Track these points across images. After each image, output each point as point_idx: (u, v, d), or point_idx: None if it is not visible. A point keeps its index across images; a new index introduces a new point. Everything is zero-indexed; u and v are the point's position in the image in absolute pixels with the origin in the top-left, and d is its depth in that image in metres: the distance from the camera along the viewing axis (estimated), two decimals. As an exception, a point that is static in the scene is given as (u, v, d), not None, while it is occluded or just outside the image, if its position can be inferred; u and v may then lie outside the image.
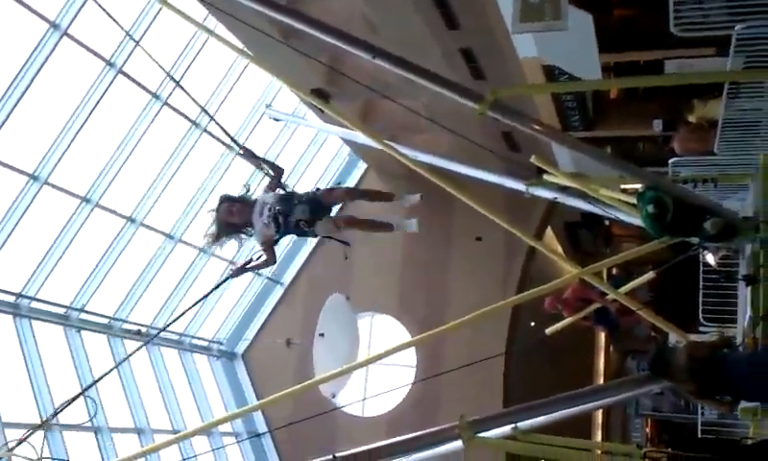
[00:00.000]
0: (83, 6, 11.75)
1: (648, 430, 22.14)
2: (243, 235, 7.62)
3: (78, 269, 14.97)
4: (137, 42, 11.57)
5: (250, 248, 8.46)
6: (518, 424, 6.13)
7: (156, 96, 14.12)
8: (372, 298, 19.29)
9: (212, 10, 11.05)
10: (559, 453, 6.22)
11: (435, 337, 9.05)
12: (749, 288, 7.21)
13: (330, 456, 5.90)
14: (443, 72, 7.55)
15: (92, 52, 12.58)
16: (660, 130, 14.10)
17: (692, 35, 8.45)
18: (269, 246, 7.56)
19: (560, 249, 20.26)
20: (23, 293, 13.99)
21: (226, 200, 7.58)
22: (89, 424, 14.66)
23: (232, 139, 9.22)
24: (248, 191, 7.79)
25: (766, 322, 6.63)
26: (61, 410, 8.01)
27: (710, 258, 9.18)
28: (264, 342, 20.00)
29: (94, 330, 15.85)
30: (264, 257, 7.60)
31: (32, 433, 7.23)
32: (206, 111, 11.03)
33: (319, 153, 19.16)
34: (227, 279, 8.44)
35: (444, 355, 16.96)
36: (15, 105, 11.76)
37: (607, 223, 20.55)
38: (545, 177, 9.31)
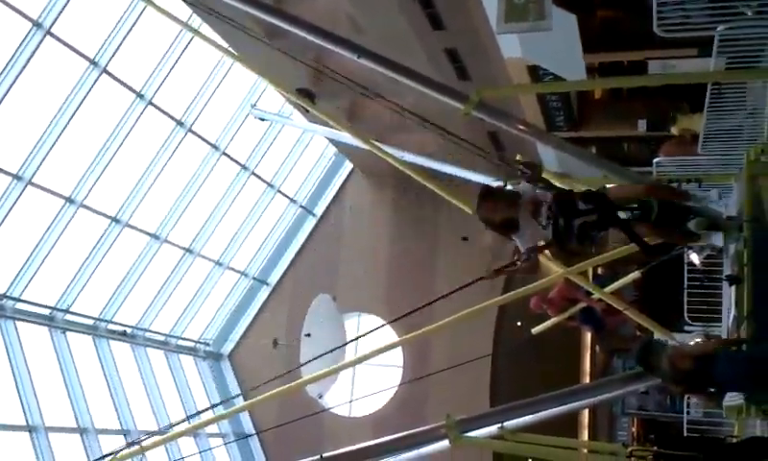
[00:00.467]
0: (66, 5, 11.69)
1: (634, 429, 22.24)
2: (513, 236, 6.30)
3: (63, 270, 14.90)
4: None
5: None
6: (505, 424, 6.15)
7: (140, 96, 14.06)
8: (359, 298, 19.28)
9: (196, 9, 11.02)
10: (545, 452, 6.25)
11: (422, 337, 9.06)
12: (733, 287, 7.25)
13: (317, 456, 5.90)
14: (428, 72, 7.57)
15: (76, 51, 12.51)
16: (644, 130, 14.17)
17: (675, 35, 8.50)
18: (539, 251, 6.32)
19: (545, 248, 20.28)
20: (7, 294, 13.90)
21: (487, 195, 6.23)
22: (74, 425, 14.65)
23: None
24: (505, 184, 6.52)
25: (750, 320, 6.66)
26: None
27: (695, 258, 9.21)
28: (250, 342, 19.96)
29: (79, 331, 15.77)
30: (527, 261, 6.32)
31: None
32: None
33: (305, 153, 19.14)
34: None
35: (431, 355, 16.98)
36: (-2, 104, 11.70)
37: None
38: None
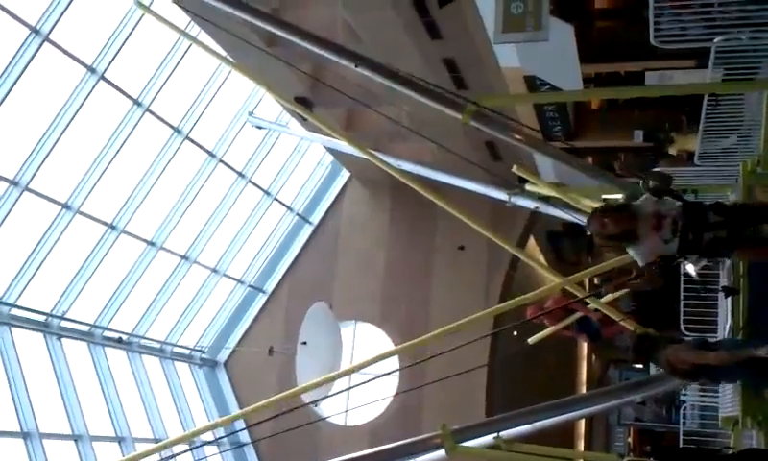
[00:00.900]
0: (64, 11, 11.69)
1: (630, 440, 22.25)
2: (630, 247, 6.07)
3: (58, 276, 14.86)
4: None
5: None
6: (501, 434, 6.14)
7: (137, 103, 14.06)
8: (355, 306, 19.27)
9: (195, 17, 11.04)
10: (541, 462, 6.23)
11: (417, 345, 9.07)
12: (729, 298, 7.27)
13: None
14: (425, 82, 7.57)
15: (74, 58, 12.51)
16: (641, 140, 14.21)
17: (672, 47, 8.54)
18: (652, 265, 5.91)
19: (542, 258, 20.33)
20: (2, 300, 13.86)
21: (607, 211, 6.06)
22: (69, 432, 14.59)
23: None
24: (629, 198, 6.33)
25: (746, 331, 6.68)
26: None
27: (691, 269, 9.23)
28: (246, 350, 19.92)
29: (75, 338, 15.73)
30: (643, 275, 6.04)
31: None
32: None
33: (302, 161, 19.15)
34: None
35: (427, 364, 16.92)
36: (-5, 111, 11.69)
37: (588, 233, 20.62)
38: (527, 186, 9.36)
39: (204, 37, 12.05)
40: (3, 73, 11.63)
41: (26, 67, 11.74)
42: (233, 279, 19.45)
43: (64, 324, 15.42)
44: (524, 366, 17.72)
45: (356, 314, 19.36)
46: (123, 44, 12.97)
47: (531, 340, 10.88)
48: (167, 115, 14.87)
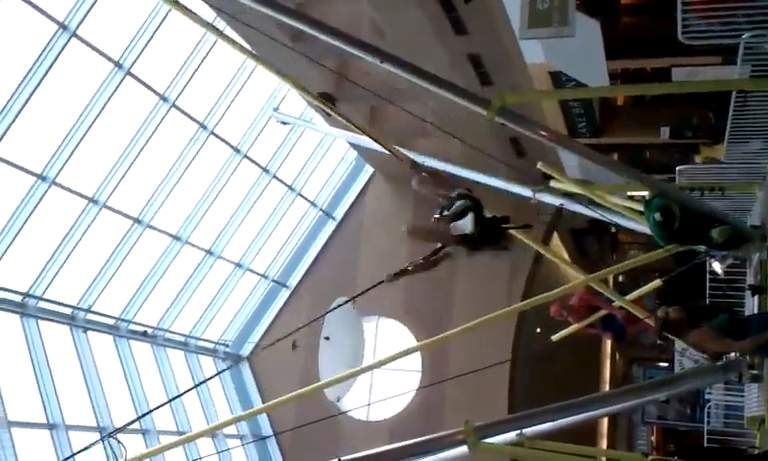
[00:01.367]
0: (91, 7, 11.80)
1: (654, 438, 22.10)
2: None
3: (85, 269, 15.01)
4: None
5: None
6: (524, 431, 6.11)
7: (163, 98, 14.15)
8: (378, 301, 19.27)
9: (220, 13, 11.08)
10: (564, 460, 6.20)
11: (440, 341, 9.05)
12: (756, 296, 7.20)
13: (335, 459, 5.89)
14: (450, 78, 7.55)
15: (101, 53, 12.62)
16: (667, 137, 14.08)
17: (699, 43, 8.45)
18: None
19: (566, 255, 20.23)
20: (30, 293, 14.03)
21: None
22: (94, 424, 14.74)
23: None
24: None
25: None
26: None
27: (717, 267, 9.14)
28: (269, 344, 19.99)
29: (100, 331, 15.89)
30: None
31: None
32: None
33: (325, 156, 19.19)
34: None
35: (450, 360, 16.93)
36: (24, 105, 11.81)
37: (613, 230, 20.52)
38: (552, 183, 9.31)
39: (230, 33, 12.09)
40: (31, 69, 11.76)
41: (54, 63, 11.86)
42: (257, 273, 19.54)
43: (90, 317, 15.59)
44: (547, 363, 17.65)
45: (379, 309, 19.36)
46: (149, 40, 13.06)
47: (554, 337, 10.82)
48: (193, 111, 14.97)
